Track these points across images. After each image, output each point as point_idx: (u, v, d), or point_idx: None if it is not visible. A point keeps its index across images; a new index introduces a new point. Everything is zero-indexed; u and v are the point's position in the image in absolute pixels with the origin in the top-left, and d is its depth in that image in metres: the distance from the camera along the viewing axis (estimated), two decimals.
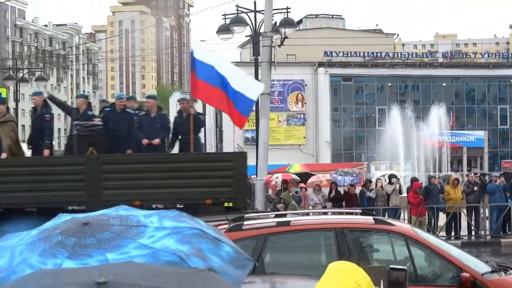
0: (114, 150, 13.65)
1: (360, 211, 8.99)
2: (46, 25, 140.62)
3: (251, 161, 26.37)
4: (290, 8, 24.31)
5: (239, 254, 2.94)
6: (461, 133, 60.53)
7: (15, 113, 39.15)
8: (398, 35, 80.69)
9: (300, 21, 67.20)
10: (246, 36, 27.77)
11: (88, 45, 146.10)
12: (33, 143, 14.27)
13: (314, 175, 31.07)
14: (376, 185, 24.21)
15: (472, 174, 26.36)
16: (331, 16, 75.97)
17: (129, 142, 13.77)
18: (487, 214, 22.53)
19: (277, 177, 27.91)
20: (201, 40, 16.07)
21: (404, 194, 24.06)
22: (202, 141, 17.19)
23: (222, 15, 24.42)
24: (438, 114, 52.86)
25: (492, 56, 71.53)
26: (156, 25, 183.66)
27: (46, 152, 13.71)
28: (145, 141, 13.76)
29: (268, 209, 17.27)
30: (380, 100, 62.76)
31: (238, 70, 14.06)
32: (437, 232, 21.35)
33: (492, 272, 7.36)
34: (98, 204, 12.15)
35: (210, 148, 60.30)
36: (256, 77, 23.39)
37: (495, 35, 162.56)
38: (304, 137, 60.84)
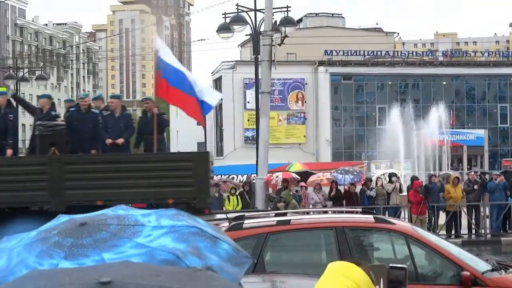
0: (79, 150, 13.65)
1: (360, 209, 9.00)
2: (46, 24, 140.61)
3: (251, 160, 26.42)
4: (290, 7, 24.32)
5: (237, 251, 2.94)
6: (461, 131, 60.54)
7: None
8: (398, 33, 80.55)
9: (300, 20, 67.18)
10: (246, 35, 27.79)
11: (88, 44, 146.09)
12: None
13: (315, 174, 31.07)
14: (376, 184, 24.21)
15: (473, 172, 26.37)
16: (331, 15, 75.93)
17: (94, 142, 13.77)
18: (487, 212, 22.54)
19: (277, 176, 27.92)
20: (202, 39, 16.19)
21: (404, 193, 24.06)
22: (174, 140, 17.33)
23: (222, 14, 24.42)
24: (438, 112, 52.86)
25: (492, 54, 71.53)
26: (157, 24, 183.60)
27: (9, 152, 13.66)
28: (108, 141, 13.77)
29: (269, 208, 17.30)
30: (380, 99, 62.75)
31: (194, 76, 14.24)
32: (438, 231, 21.36)
33: (492, 270, 7.36)
34: (60, 204, 12.21)
35: (211, 147, 60.36)
36: (257, 76, 23.40)
37: (495, 33, 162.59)
38: (305, 136, 60.84)
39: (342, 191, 24.16)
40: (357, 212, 9.11)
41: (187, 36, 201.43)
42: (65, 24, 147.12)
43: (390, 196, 23.49)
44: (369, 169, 46.28)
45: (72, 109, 14.56)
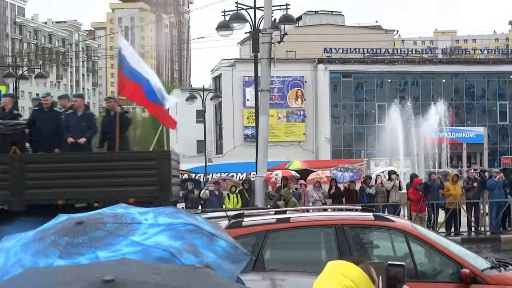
0: (42, 149, 13.65)
1: (360, 207, 9.00)
2: (46, 22, 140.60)
3: (251, 158, 26.43)
4: (289, 4, 24.30)
5: (235, 249, 2.94)
6: (461, 129, 60.56)
7: None
8: (397, 31, 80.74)
9: (299, 18, 67.21)
10: (245, 33, 27.80)
11: (87, 42, 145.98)
12: None
13: (314, 171, 31.08)
14: (376, 182, 24.21)
15: (472, 170, 26.37)
16: (330, 13, 75.98)
17: (57, 141, 13.76)
18: (486, 210, 22.55)
19: (276, 174, 27.93)
20: (201, 37, 16.23)
21: (404, 191, 24.07)
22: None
23: (222, 12, 24.39)
24: (437, 110, 52.86)
25: (491, 52, 71.59)
26: (156, 22, 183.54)
27: None
28: (70, 140, 13.75)
29: (268, 206, 17.29)
30: (380, 97, 62.77)
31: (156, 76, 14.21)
32: (437, 229, 21.37)
33: (492, 268, 7.36)
34: (21, 203, 12.20)
35: (210, 145, 60.39)
36: (256, 74, 23.40)
37: (494, 31, 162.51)
38: (304, 134, 60.87)
39: (342, 188, 24.16)
40: (356, 210, 9.12)
41: (186, 34, 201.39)
42: (65, 22, 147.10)
43: (390, 193, 23.48)
44: (369, 166, 46.29)
45: (35, 108, 14.57)
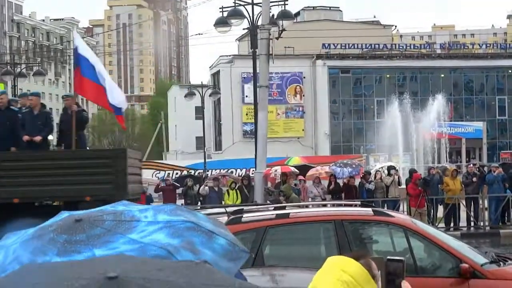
0: None
1: (359, 203, 9.00)
2: (43, 20, 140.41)
3: (250, 154, 26.44)
4: (287, 0, 24.28)
5: (233, 246, 2.94)
6: (460, 124, 60.54)
7: None
8: (396, 26, 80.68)
9: (297, 14, 67.14)
10: (243, 29, 27.77)
11: (85, 40, 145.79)
12: None
13: (313, 167, 31.08)
14: (375, 177, 24.22)
15: (471, 165, 26.37)
16: (328, 8, 75.92)
17: (13, 140, 13.75)
18: (486, 205, 22.55)
19: (276, 170, 27.93)
20: (199, 34, 16.21)
21: (403, 186, 24.08)
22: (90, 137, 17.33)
23: (220, 8, 24.37)
24: (436, 105, 52.85)
25: (490, 46, 71.57)
26: (154, 19, 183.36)
27: None
28: (26, 138, 13.67)
29: (268, 202, 17.29)
30: (379, 92, 62.75)
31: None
32: (436, 224, 21.38)
33: (491, 262, 7.37)
34: None
35: (209, 142, 60.35)
36: (255, 70, 23.39)
37: (492, 25, 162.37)
38: (303, 130, 60.87)
39: (341, 184, 24.16)
40: (356, 205, 9.11)
41: (184, 31, 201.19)
42: (62, 19, 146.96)
43: (389, 189, 23.49)
44: (368, 162, 46.29)
45: None
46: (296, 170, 28.76)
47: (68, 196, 12.34)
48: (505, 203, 22.27)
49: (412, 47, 72.62)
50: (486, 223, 22.49)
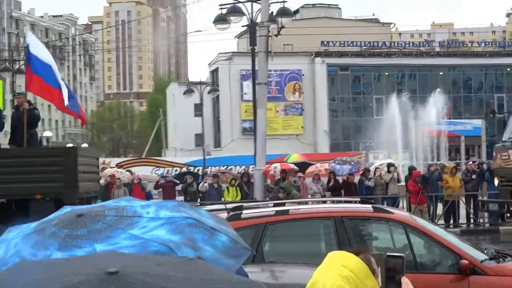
0: None
1: (359, 199, 8.99)
2: (42, 16, 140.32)
3: (249, 151, 26.45)
4: None
5: (235, 243, 2.93)
6: (459, 121, 60.53)
7: (12, 105, 38.99)
8: (394, 24, 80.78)
9: (296, 11, 67.09)
10: (242, 26, 27.73)
11: (84, 36, 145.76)
12: None
13: (313, 164, 31.08)
14: (374, 174, 24.23)
15: (471, 162, 26.40)
16: (327, 6, 75.86)
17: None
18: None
19: (275, 167, 27.94)
20: (198, 31, 16.19)
21: (402, 183, 24.08)
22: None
23: (219, 5, 24.35)
24: (435, 103, 52.86)
25: (488, 44, 71.58)
26: (153, 16, 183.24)
27: None
28: None
29: (267, 198, 17.31)
30: (377, 90, 62.75)
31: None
32: (436, 221, 21.39)
33: (490, 259, 7.39)
34: None
35: (208, 139, 60.33)
36: (254, 67, 23.39)
37: (491, 23, 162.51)
38: (302, 127, 60.86)
39: (340, 181, 24.17)
40: (355, 202, 9.12)
41: (183, 28, 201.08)
42: (61, 16, 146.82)
43: (388, 186, 23.51)
44: (367, 159, 46.29)
45: None
46: (296, 167, 28.77)
47: (18, 194, 12.33)
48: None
49: (411, 45, 72.59)
50: (486, 220, 22.51)
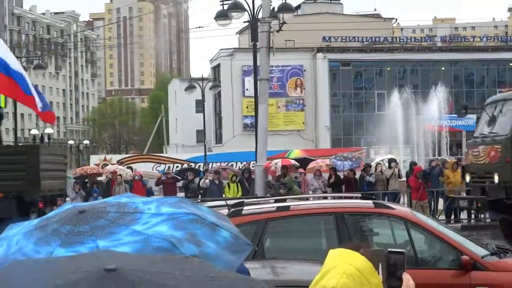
0: None
1: (360, 195, 9.00)
2: (44, 13, 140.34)
3: (250, 147, 26.44)
4: None
5: (237, 239, 2.94)
6: (460, 117, 60.46)
7: (13, 103, 39.05)
8: (396, 19, 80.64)
9: (298, 7, 67.08)
10: (244, 22, 27.69)
11: (86, 33, 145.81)
12: None
13: (314, 160, 31.07)
14: (375, 170, 24.22)
15: None
16: (329, 1, 75.78)
17: None
18: None
19: (276, 163, 27.94)
20: (199, 27, 16.17)
21: (403, 179, 24.08)
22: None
23: (220, 1, 24.32)
24: (437, 98, 52.85)
25: (490, 39, 71.48)
26: (154, 12, 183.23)
27: None
28: None
29: (268, 195, 17.32)
30: (379, 85, 62.72)
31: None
32: (437, 216, 21.39)
33: (492, 254, 7.39)
34: None
35: (210, 135, 60.38)
36: (255, 63, 23.38)
37: (493, 18, 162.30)
38: (303, 123, 60.85)
39: (341, 177, 24.17)
40: (356, 198, 9.12)
41: (185, 24, 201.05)
42: (63, 13, 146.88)
43: (389, 181, 23.50)
44: (368, 155, 46.30)
45: None
46: (297, 163, 28.77)
47: None
48: None
49: (412, 40, 72.52)
50: (487, 216, 22.50)
